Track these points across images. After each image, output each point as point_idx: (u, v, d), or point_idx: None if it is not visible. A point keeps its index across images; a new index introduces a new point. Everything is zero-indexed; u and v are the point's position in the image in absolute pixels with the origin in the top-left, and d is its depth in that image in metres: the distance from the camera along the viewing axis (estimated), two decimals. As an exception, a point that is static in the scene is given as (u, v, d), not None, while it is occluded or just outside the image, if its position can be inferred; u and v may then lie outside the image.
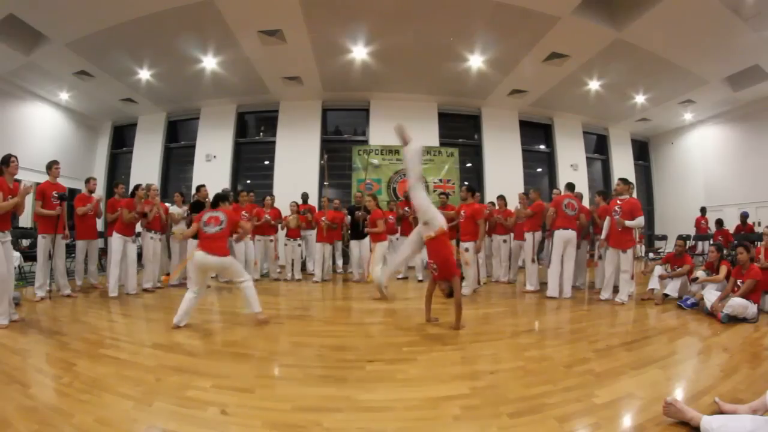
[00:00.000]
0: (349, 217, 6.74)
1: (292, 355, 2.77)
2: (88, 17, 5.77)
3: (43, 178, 4.79)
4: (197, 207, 5.56)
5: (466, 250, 5.14)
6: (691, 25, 5.94)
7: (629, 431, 1.77)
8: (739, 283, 3.99)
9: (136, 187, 5.38)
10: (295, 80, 8.29)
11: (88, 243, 5.20)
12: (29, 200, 6.19)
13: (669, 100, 9.10)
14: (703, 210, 9.20)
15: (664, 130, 11.33)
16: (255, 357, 2.71)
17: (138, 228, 5.37)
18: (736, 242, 5.47)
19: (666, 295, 4.75)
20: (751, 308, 3.75)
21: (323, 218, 6.31)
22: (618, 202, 4.75)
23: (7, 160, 3.56)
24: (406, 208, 6.54)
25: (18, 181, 3.72)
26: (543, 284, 5.78)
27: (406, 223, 6.58)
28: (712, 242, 6.70)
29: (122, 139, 10.42)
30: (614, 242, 4.71)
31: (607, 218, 4.88)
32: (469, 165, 10.02)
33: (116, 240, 4.94)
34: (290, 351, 2.87)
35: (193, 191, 7.47)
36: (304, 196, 7.15)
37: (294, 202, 6.98)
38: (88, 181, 5.30)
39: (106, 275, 4.97)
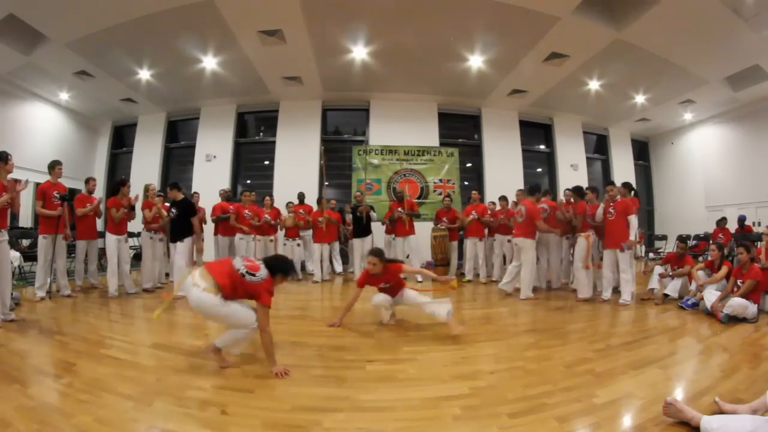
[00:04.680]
0: (350, 215, 6.73)
1: (292, 355, 2.77)
2: (88, 17, 5.76)
3: (44, 178, 4.79)
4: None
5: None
6: (691, 25, 5.94)
7: (629, 431, 1.77)
8: (739, 283, 3.99)
9: (121, 183, 5.27)
10: (295, 80, 8.28)
11: (88, 243, 5.19)
12: (28, 198, 6.16)
13: (669, 100, 9.10)
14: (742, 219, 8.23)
15: (664, 130, 11.33)
16: (255, 357, 2.71)
17: (138, 227, 5.37)
18: (736, 242, 5.47)
19: (666, 295, 4.75)
20: (751, 308, 3.75)
21: (320, 218, 6.29)
22: (611, 203, 4.75)
23: (6, 157, 3.56)
24: (399, 209, 6.47)
25: (17, 180, 3.73)
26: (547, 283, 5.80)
27: (399, 223, 6.49)
28: (712, 241, 6.70)
29: (122, 139, 10.41)
30: (611, 242, 4.70)
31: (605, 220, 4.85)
32: (469, 165, 10.01)
33: (111, 240, 4.92)
34: (290, 351, 2.87)
35: (193, 192, 7.47)
36: (301, 197, 7.13)
37: (290, 202, 6.98)
38: (87, 181, 5.30)
39: (106, 276, 4.95)
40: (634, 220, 4.58)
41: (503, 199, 6.40)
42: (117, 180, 5.46)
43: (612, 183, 4.98)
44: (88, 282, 5.40)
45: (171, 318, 3.80)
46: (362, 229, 6.49)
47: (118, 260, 4.97)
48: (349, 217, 6.85)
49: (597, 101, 9.15)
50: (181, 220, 4.94)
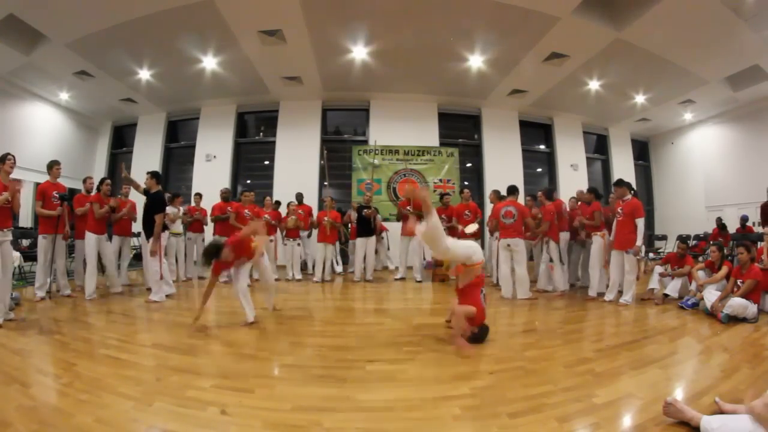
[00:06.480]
0: (355, 213, 6.73)
1: (292, 355, 2.77)
2: (88, 17, 5.77)
3: (43, 178, 4.79)
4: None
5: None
6: (691, 25, 5.94)
7: (629, 431, 1.77)
8: (739, 283, 3.99)
9: (102, 181, 5.20)
10: (295, 80, 8.29)
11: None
12: (28, 199, 6.13)
13: (669, 100, 9.11)
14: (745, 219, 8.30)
15: (664, 130, 11.34)
16: (255, 357, 2.71)
17: (139, 227, 5.35)
18: (736, 242, 5.45)
19: (666, 295, 4.75)
20: (751, 308, 3.74)
21: (326, 218, 6.31)
22: (621, 202, 4.71)
23: (3, 158, 3.57)
24: (408, 208, 6.52)
25: (17, 180, 3.73)
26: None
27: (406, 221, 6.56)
28: (712, 242, 6.69)
29: (122, 139, 10.43)
30: (619, 244, 4.65)
31: (615, 220, 4.83)
32: (469, 165, 10.03)
33: (90, 240, 4.80)
34: (290, 351, 2.87)
35: (194, 193, 7.46)
36: (299, 197, 7.12)
37: (292, 202, 6.98)
38: (85, 180, 5.28)
39: (84, 277, 4.81)
40: (641, 224, 4.49)
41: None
42: (102, 178, 5.38)
43: (621, 181, 4.79)
44: (88, 282, 5.39)
45: (171, 318, 3.80)
46: (366, 229, 6.51)
47: (105, 261, 4.93)
48: (354, 215, 6.85)
49: (597, 101, 9.16)
50: (147, 215, 4.65)
